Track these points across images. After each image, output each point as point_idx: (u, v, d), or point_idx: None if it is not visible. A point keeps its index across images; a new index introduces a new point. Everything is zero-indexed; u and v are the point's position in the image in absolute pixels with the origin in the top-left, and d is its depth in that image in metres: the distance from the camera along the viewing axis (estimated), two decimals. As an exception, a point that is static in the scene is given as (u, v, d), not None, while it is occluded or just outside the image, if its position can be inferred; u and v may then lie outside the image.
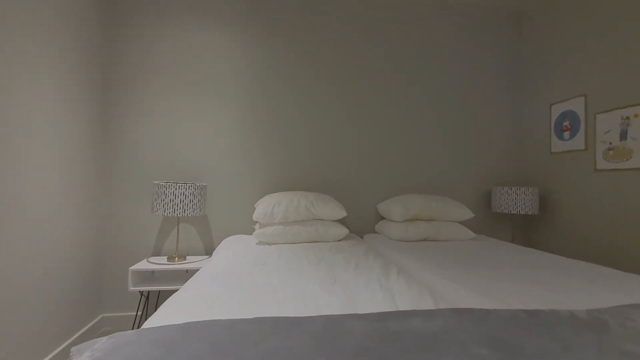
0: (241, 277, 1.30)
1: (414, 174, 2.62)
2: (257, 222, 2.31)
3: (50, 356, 1.71)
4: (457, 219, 2.31)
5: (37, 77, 1.60)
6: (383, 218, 2.52)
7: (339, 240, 2.12)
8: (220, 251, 1.85)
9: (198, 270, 2.11)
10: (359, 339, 0.72)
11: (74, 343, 1.90)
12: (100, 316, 2.20)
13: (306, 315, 0.95)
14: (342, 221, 2.51)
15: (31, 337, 1.59)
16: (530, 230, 2.67)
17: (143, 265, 2.02)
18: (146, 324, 0.92)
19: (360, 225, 2.53)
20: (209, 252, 2.35)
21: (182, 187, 2.02)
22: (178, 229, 2.14)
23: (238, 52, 2.40)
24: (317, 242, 2.08)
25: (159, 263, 2.05)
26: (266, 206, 2.04)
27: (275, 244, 2.01)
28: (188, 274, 2.26)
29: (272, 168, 2.43)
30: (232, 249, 1.84)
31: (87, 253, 2.06)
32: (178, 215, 2.00)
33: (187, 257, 2.24)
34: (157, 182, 2.08)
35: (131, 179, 2.26)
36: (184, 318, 0.91)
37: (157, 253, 2.29)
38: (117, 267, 2.24)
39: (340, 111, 2.52)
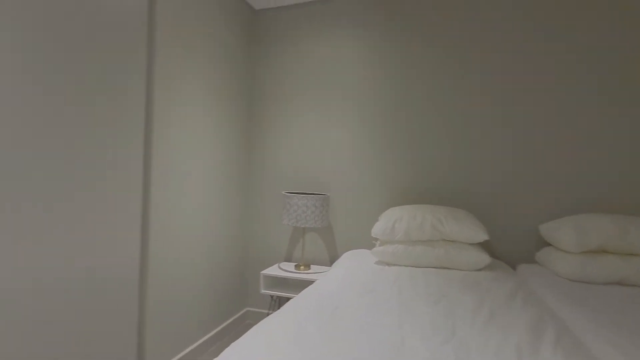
0: (339, 307, 1.17)
1: (598, 184, 1.86)
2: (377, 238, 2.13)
3: (201, 340, 2.05)
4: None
5: (193, 109, 1.92)
6: (548, 244, 1.89)
7: (478, 270, 1.70)
8: (335, 268, 1.77)
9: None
10: None
11: (222, 330, 2.22)
12: (245, 309, 2.51)
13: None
14: (488, 244, 2.03)
15: (186, 322, 1.93)
16: None
17: (274, 270, 2.17)
18: (232, 346, 0.91)
19: (514, 251, 1.98)
20: (333, 262, 2.33)
21: (305, 198, 2.05)
22: (304, 239, 2.20)
23: (365, 60, 2.28)
24: (448, 268, 1.73)
25: (287, 270, 2.16)
26: (386, 221, 1.83)
27: (396, 265, 1.78)
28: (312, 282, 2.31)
29: (400, 178, 2.20)
30: (346, 267, 1.74)
31: (233, 254, 2.37)
32: (301, 225, 2.04)
33: (312, 266, 2.28)
34: (284, 192, 2.20)
35: (267, 189, 2.48)
36: (261, 347, 0.85)
37: (288, 259, 2.44)
38: (257, 268, 2.50)
39: (486, 110, 2.04)
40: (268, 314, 2.23)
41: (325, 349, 0.88)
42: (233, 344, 0.94)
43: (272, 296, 2.21)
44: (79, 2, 1.29)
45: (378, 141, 2.24)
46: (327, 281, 1.51)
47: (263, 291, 2.13)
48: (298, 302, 1.24)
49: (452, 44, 2.11)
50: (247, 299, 2.53)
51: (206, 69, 2.03)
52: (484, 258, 1.66)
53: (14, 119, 1.08)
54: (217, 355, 1.99)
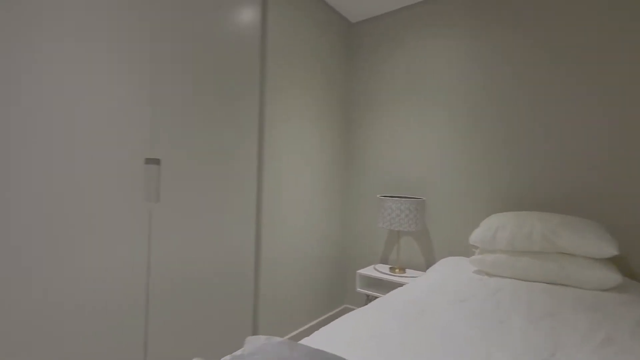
0: (426, 312, 1.19)
1: None
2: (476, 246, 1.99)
3: (302, 328, 2.28)
4: None
5: (298, 120, 2.18)
6: None
7: (604, 290, 1.44)
8: (429, 273, 1.75)
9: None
10: None
11: (321, 322, 2.42)
12: (343, 306, 2.67)
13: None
14: (623, 261, 1.68)
15: (291, 310, 2.18)
16: None
17: (369, 270, 2.26)
18: (320, 330, 1.05)
19: (664, 270, 1.59)
20: (428, 267, 2.27)
21: (399, 202, 2.08)
22: (399, 243, 2.23)
23: (460, 63, 2.18)
24: (563, 285, 1.52)
25: (381, 271, 2.22)
26: (487, 229, 1.71)
27: (497, 276, 1.65)
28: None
29: (504, 183, 2.01)
30: (440, 273, 1.70)
31: (333, 253, 2.55)
32: (395, 228, 2.08)
33: (407, 270, 2.28)
34: (379, 196, 2.26)
35: (366, 193, 2.58)
36: (344, 336, 0.96)
37: (384, 261, 2.49)
38: (355, 268, 2.63)
39: (596, 108, 1.71)
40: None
41: (403, 350, 0.93)
42: (322, 329, 1.08)
43: (367, 295, 2.29)
44: (209, 39, 1.64)
45: (476, 144, 2.10)
46: (418, 285, 1.52)
47: (358, 289, 2.24)
48: (385, 301, 1.31)
49: (551, 43, 1.83)
50: (345, 296, 2.68)
51: (308, 82, 2.26)
52: (614, 277, 1.40)
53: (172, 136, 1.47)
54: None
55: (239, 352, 0.82)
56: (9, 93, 1.05)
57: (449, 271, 1.74)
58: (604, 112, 1.74)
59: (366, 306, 1.27)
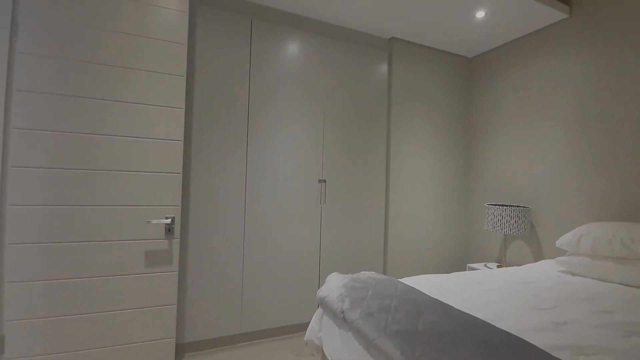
0: (483, 284, 1.78)
1: None
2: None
3: (424, 302, 2.99)
4: None
5: (420, 144, 2.93)
6: None
7: (684, 296, 1.58)
8: (522, 267, 2.18)
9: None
10: None
11: (440, 302, 3.05)
12: (463, 294, 3.18)
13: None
14: None
15: (413, 286, 2.94)
16: None
17: (479, 266, 2.76)
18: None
19: None
20: (540, 269, 2.56)
21: (500, 209, 2.52)
22: (505, 244, 2.64)
23: (569, 81, 2.41)
24: (637, 287, 1.71)
25: (489, 267, 2.68)
26: (572, 235, 2.01)
27: (580, 275, 1.95)
28: (519, 284, 2.65)
29: (607, 195, 2.16)
30: (530, 267, 2.12)
31: (455, 250, 3.13)
32: (500, 231, 2.53)
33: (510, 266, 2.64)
34: (487, 204, 2.72)
35: (480, 201, 3.04)
36: (425, 285, 1.73)
37: (499, 260, 2.88)
38: (469, 262, 3.11)
39: None
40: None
41: (460, 296, 1.62)
42: (417, 277, 1.86)
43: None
44: (353, 98, 2.65)
45: (580, 162, 2.29)
46: (503, 271, 2.04)
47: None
48: (465, 274, 1.95)
49: (684, 45, 1.87)
50: (465, 287, 3.18)
51: (429, 114, 2.97)
52: (685, 283, 1.55)
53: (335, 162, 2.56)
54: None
55: (347, 278, 1.74)
56: (262, 145, 2.34)
57: (540, 266, 2.13)
58: None
59: (454, 273, 1.95)
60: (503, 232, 2.51)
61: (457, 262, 3.18)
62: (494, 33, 2.71)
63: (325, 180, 2.54)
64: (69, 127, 1.69)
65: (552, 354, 0.97)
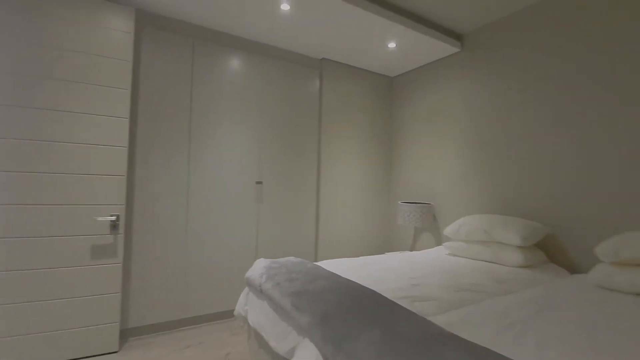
0: (387, 262, 2.24)
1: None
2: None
3: (352, 288, 3.45)
4: None
5: (347, 147, 3.38)
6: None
7: (522, 267, 2.15)
8: (419, 252, 2.70)
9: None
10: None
11: (366, 288, 3.54)
12: (386, 280, 3.70)
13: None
14: (558, 250, 2.28)
15: (342, 274, 3.39)
16: None
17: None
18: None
19: (585, 261, 2.16)
20: (441, 255, 3.12)
21: (408, 205, 3.05)
22: (415, 234, 3.17)
23: (464, 94, 3.00)
24: (495, 263, 2.28)
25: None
26: (455, 225, 2.56)
27: (458, 256, 2.49)
28: (426, 268, 3.20)
29: (484, 194, 2.76)
30: (425, 252, 2.64)
31: (375, 242, 3.63)
32: (405, 224, 3.05)
33: (423, 255, 3.18)
34: (400, 202, 3.25)
35: (397, 200, 3.58)
36: (337, 262, 2.14)
37: (411, 249, 3.42)
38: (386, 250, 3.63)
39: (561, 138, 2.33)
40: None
41: (364, 272, 2.05)
42: (326, 261, 2.27)
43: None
44: (287, 111, 3.04)
45: (474, 163, 2.88)
46: (402, 254, 2.52)
47: (387, 266, 3.27)
48: (374, 257, 2.40)
49: (531, 88, 2.50)
50: (388, 274, 3.70)
51: (356, 124, 3.45)
52: (518, 258, 2.12)
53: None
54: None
55: (269, 261, 2.12)
56: (204, 150, 2.64)
57: (430, 251, 2.65)
58: (567, 145, 2.36)
59: (361, 257, 2.39)
60: (413, 225, 3.04)
61: (378, 251, 3.70)
62: (407, 59, 3.25)
63: (262, 182, 2.89)
64: (25, 135, 1.90)
65: (396, 301, 1.41)
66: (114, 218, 2.12)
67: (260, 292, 1.70)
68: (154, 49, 2.46)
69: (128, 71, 2.20)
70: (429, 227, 3.26)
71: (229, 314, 2.76)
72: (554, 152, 2.35)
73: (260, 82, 2.92)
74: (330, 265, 2.13)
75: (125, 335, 2.36)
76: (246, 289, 1.96)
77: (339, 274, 1.91)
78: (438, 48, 2.98)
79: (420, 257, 2.43)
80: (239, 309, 1.94)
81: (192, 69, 2.60)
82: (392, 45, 2.93)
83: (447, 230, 2.60)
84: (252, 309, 1.82)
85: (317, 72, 3.26)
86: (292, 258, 2.12)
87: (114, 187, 2.14)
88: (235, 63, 2.80)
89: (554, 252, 2.34)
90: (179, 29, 2.59)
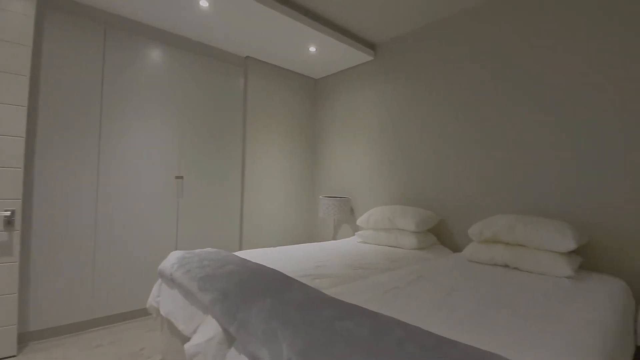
0: (301, 250, 2.41)
1: (523, 193, 2.29)
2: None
3: (277, 279, 3.59)
4: (553, 248, 1.90)
5: (271, 147, 3.51)
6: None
7: (416, 249, 2.50)
8: (335, 241, 2.93)
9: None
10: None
11: (291, 279, 3.71)
12: (311, 271, 3.92)
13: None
14: (449, 235, 2.70)
15: (267, 267, 3.51)
16: None
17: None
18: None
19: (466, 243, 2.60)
20: (357, 244, 3.42)
21: (328, 199, 3.29)
22: (335, 225, 3.42)
23: (376, 98, 3.32)
24: (396, 247, 2.61)
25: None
26: (366, 215, 2.86)
27: (367, 243, 2.79)
28: (344, 257, 3.47)
29: (393, 187, 3.11)
30: (340, 241, 2.88)
31: (303, 233, 3.82)
32: (326, 216, 3.29)
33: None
34: (321, 196, 3.48)
35: (317, 194, 3.82)
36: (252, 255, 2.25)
37: (334, 239, 3.68)
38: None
39: (456, 136, 2.74)
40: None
41: (273, 257, 2.19)
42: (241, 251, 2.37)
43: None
44: (210, 104, 3.06)
45: (383, 161, 3.22)
46: (318, 244, 2.73)
47: (309, 256, 3.48)
48: (290, 247, 2.56)
49: (435, 93, 2.89)
50: (313, 265, 3.92)
51: (279, 125, 3.59)
52: (413, 242, 2.47)
53: (199, 157, 2.91)
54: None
55: (183, 252, 2.17)
56: (119, 142, 2.55)
57: (345, 240, 2.91)
58: (454, 146, 2.77)
59: (279, 247, 2.53)
60: (332, 217, 3.28)
61: (302, 242, 3.90)
62: (328, 63, 3.49)
63: (182, 177, 2.88)
64: None
65: (296, 279, 1.59)
66: (8, 213, 1.96)
67: (171, 281, 1.74)
68: (59, 34, 2.32)
69: (27, 57, 2.05)
70: (347, 219, 3.55)
71: (145, 312, 2.70)
72: (444, 152, 2.76)
73: (181, 77, 2.90)
74: (247, 254, 2.24)
75: (25, 339, 2.19)
76: (159, 281, 1.98)
77: (253, 260, 2.04)
78: (354, 55, 3.26)
79: (332, 245, 2.67)
80: (151, 300, 1.95)
81: (103, 57, 2.50)
82: (312, 49, 3.14)
83: (359, 221, 2.88)
84: (164, 299, 1.85)
85: (242, 70, 3.33)
86: (208, 249, 2.18)
87: (8, 180, 1.98)
88: (154, 55, 2.75)
89: (444, 236, 2.75)
90: (88, 13, 2.47)
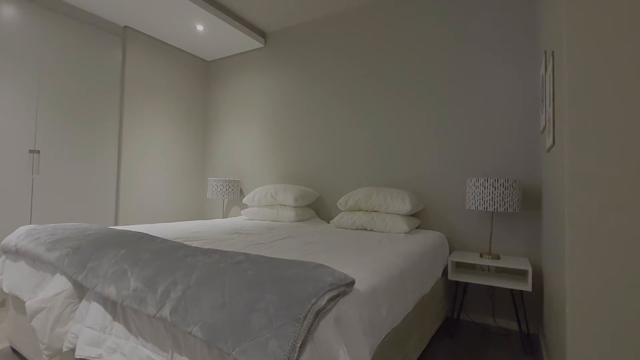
0: (187, 227, 2.40)
1: (402, 170, 2.76)
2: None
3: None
4: (396, 211, 2.35)
5: (155, 129, 3.33)
6: (354, 209, 2.84)
7: (295, 222, 2.75)
8: (226, 219, 2.99)
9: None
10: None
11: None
12: (200, 255, 3.86)
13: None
14: (325, 209, 3.03)
15: (150, 251, 3.34)
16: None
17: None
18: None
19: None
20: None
21: (216, 181, 3.31)
22: (224, 205, 3.46)
23: (265, 84, 3.47)
24: (277, 221, 2.82)
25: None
26: (251, 194, 2.99)
27: (253, 219, 2.93)
28: (233, 237, 3.54)
29: (282, 168, 3.32)
30: (229, 219, 2.95)
31: (189, 216, 3.74)
32: (215, 198, 3.30)
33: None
34: (209, 178, 3.49)
35: (209, 176, 3.80)
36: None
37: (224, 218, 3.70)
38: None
39: (337, 120, 3.07)
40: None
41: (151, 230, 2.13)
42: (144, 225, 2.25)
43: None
44: (80, 73, 2.77)
45: (272, 144, 3.40)
46: (205, 221, 2.74)
47: (197, 239, 3.44)
48: (174, 223, 2.50)
49: (323, 81, 3.18)
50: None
51: (166, 104, 3.44)
52: (292, 215, 2.72)
53: (57, 132, 2.58)
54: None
55: (32, 226, 1.98)
56: (-52, 114, 2.12)
57: (232, 218, 2.99)
58: (332, 130, 3.08)
59: (168, 223, 2.46)
60: (221, 198, 3.31)
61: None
62: (219, 46, 3.50)
63: (39, 151, 2.55)
64: None
65: (173, 240, 1.62)
66: None
67: (16, 252, 1.58)
68: None
69: None
70: (237, 200, 3.62)
71: (-13, 304, 2.31)
72: (323, 135, 3.09)
73: (40, 39, 2.55)
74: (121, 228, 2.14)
75: None
76: (2, 257, 1.76)
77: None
78: (245, 40, 3.35)
79: (216, 222, 2.73)
80: (-10, 280, 1.72)
81: None
82: (200, 27, 3.12)
83: (245, 199, 3.00)
84: (8, 275, 1.66)
85: (119, 40, 3.10)
86: (69, 224, 2.01)
87: None
88: (5, 9, 2.36)
89: (321, 210, 3.08)
90: None
